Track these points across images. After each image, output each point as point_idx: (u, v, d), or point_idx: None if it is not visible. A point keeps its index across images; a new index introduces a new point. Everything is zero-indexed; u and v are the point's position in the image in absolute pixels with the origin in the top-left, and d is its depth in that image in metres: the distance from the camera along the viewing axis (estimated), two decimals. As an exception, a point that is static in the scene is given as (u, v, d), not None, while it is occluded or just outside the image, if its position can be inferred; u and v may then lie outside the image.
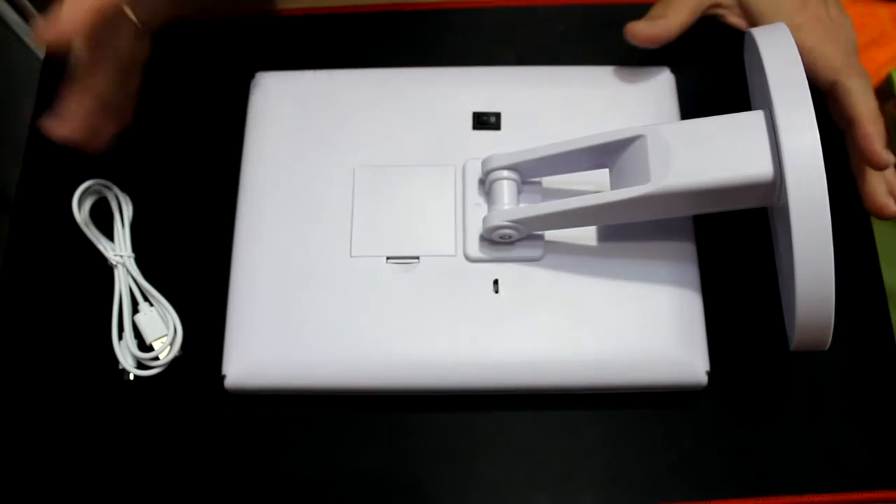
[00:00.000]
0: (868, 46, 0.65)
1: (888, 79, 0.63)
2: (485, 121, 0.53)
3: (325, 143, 0.52)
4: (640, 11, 0.58)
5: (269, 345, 0.48)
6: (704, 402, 0.50)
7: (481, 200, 0.50)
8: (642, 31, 0.54)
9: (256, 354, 0.48)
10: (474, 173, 0.51)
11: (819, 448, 0.50)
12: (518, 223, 0.47)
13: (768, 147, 0.43)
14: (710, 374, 0.50)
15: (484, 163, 0.49)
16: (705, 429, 0.50)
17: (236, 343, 0.48)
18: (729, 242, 0.53)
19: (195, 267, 0.52)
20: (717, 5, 0.56)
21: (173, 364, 0.51)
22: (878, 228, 0.56)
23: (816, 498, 0.49)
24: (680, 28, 0.55)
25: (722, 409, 0.51)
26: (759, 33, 0.45)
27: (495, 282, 0.49)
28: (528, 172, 0.49)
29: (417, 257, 0.50)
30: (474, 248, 0.49)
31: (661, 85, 0.55)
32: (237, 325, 0.49)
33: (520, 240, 0.49)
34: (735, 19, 0.56)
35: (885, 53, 0.65)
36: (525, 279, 0.49)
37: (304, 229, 0.50)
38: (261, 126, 0.53)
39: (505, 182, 0.49)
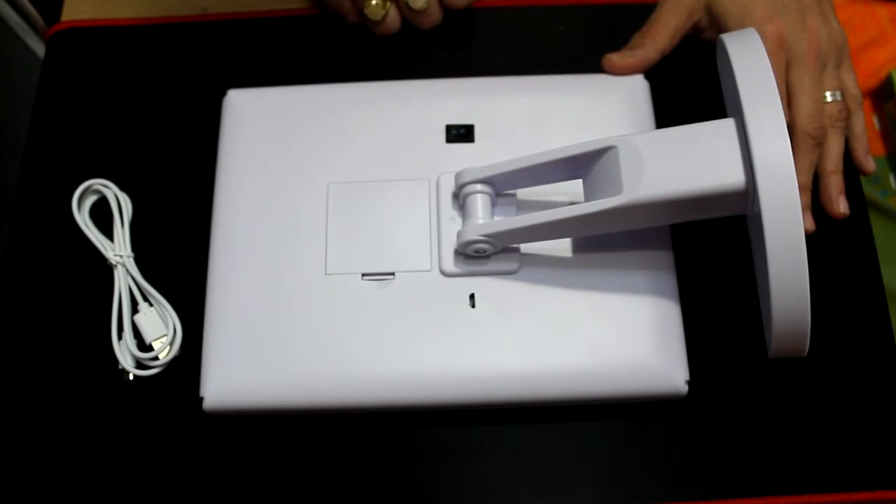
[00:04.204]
0: (867, 46, 0.65)
1: (888, 79, 0.63)
2: (458, 133, 0.53)
3: (298, 161, 0.52)
4: (640, 11, 0.58)
5: (247, 366, 0.48)
6: (704, 403, 0.50)
7: (456, 214, 0.50)
8: (618, 62, 0.55)
9: (234, 376, 0.48)
10: (448, 187, 0.51)
11: (818, 448, 0.50)
12: (492, 237, 0.47)
13: (740, 155, 0.43)
14: (708, 375, 0.50)
15: (457, 177, 0.49)
16: (705, 429, 0.50)
17: (213, 365, 0.48)
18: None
19: (195, 267, 0.52)
20: (694, 26, 0.57)
21: (173, 364, 0.51)
22: (878, 228, 0.57)
23: (816, 498, 0.49)
24: (658, 56, 0.56)
25: (722, 410, 0.50)
26: (728, 39, 0.45)
27: (471, 296, 0.49)
28: (502, 185, 0.49)
29: (393, 273, 0.49)
30: (449, 263, 0.49)
31: (636, 92, 0.54)
32: (214, 348, 0.48)
33: (495, 253, 0.49)
34: (712, 35, 0.56)
35: (885, 53, 0.64)
36: (501, 293, 0.49)
37: (279, 248, 0.50)
38: (233, 144, 0.53)
39: (479, 196, 0.48)
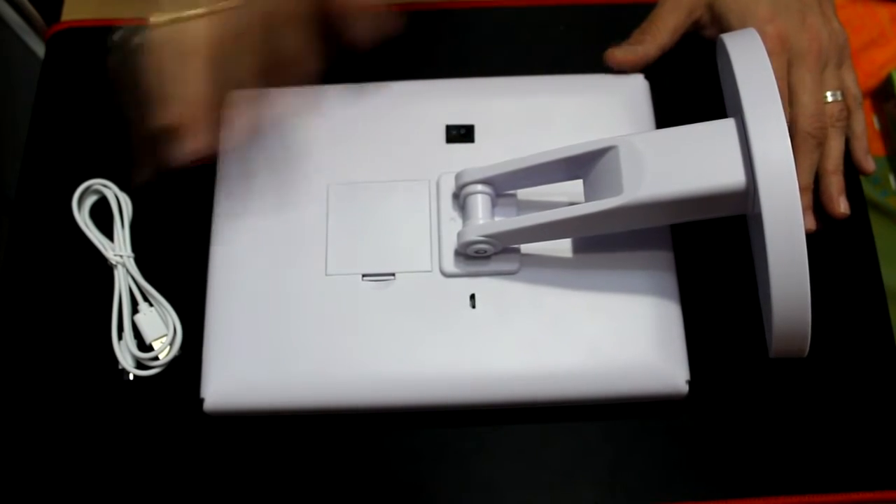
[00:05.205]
0: (867, 46, 0.65)
1: (888, 79, 0.63)
2: (458, 133, 0.53)
3: (299, 161, 0.52)
4: (641, 11, 0.58)
5: (248, 367, 0.48)
6: (703, 404, 0.50)
7: (456, 215, 0.50)
8: (619, 56, 0.55)
9: (235, 377, 0.48)
10: (448, 188, 0.51)
11: (819, 448, 0.50)
12: (492, 237, 0.47)
13: (740, 156, 0.43)
14: (709, 375, 0.50)
15: (457, 177, 0.49)
16: (705, 429, 0.50)
17: (214, 366, 0.48)
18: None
19: (195, 267, 0.52)
20: (695, 23, 0.57)
21: (173, 364, 0.51)
22: (878, 228, 0.56)
23: (816, 498, 0.49)
24: (658, 52, 0.56)
25: (722, 410, 0.50)
26: (729, 39, 0.45)
27: (472, 296, 0.49)
28: (502, 185, 0.49)
29: (393, 274, 0.49)
30: (450, 264, 0.49)
31: (636, 92, 0.54)
32: (214, 349, 0.48)
33: (495, 254, 0.49)
34: (713, 33, 0.56)
35: (885, 53, 0.64)
36: (502, 293, 0.49)
37: (279, 249, 0.50)
38: (235, 145, 0.53)
39: (479, 196, 0.48)
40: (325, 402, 0.48)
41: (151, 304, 0.52)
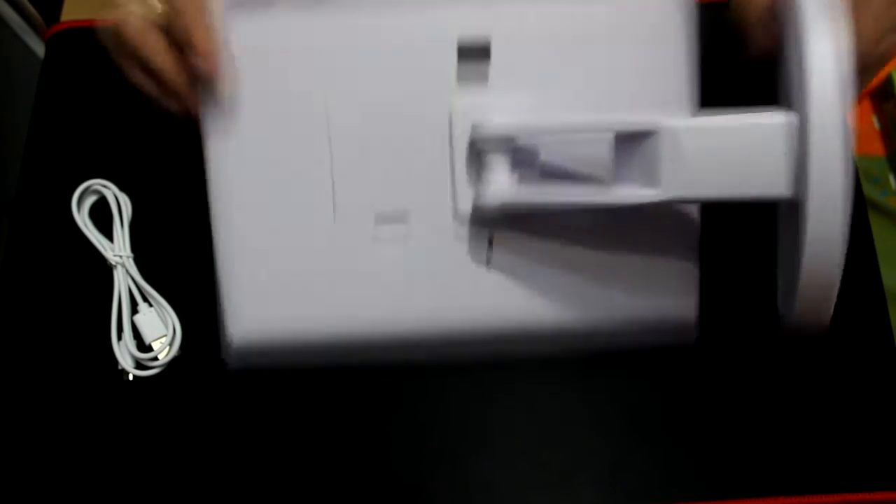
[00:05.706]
0: (868, 46, 0.65)
1: (888, 79, 0.63)
2: (472, 52, 0.47)
3: (296, 94, 0.48)
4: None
5: (269, 299, 0.47)
6: (703, 402, 0.50)
7: (471, 158, 0.47)
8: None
9: (258, 310, 0.47)
10: (462, 125, 0.47)
11: (819, 448, 0.50)
12: (512, 206, 0.46)
13: (792, 163, 0.40)
14: (709, 377, 0.50)
15: (474, 129, 0.46)
16: (704, 429, 0.50)
17: (235, 302, 0.47)
18: (731, 232, 0.52)
19: (195, 267, 0.52)
20: None
21: (172, 364, 0.51)
22: (878, 229, 0.56)
23: (816, 499, 0.49)
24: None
25: (721, 410, 0.50)
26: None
27: (490, 241, 0.48)
28: (524, 138, 0.46)
29: (408, 213, 0.48)
30: (466, 206, 0.48)
31: (678, 9, 0.47)
32: (232, 286, 0.48)
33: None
34: None
35: (885, 53, 0.65)
36: (518, 237, 0.48)
37: (284, 188, 0.48)
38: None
39: (498, 154, 0.46)
40: (349, 332, 0.48)
41: (151, 305, 0.52)
